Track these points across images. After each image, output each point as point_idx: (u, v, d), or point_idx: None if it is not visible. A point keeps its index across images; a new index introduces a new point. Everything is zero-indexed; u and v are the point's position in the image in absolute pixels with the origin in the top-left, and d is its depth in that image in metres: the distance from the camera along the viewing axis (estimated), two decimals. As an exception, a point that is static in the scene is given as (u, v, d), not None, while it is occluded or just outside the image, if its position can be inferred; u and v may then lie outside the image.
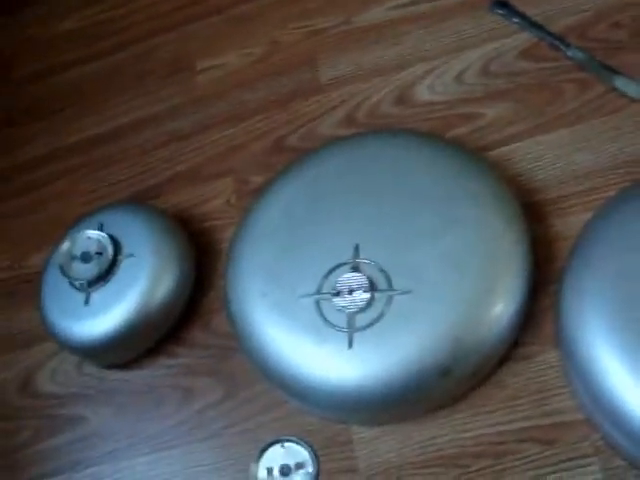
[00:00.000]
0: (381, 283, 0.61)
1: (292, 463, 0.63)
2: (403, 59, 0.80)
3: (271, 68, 0.84)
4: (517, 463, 0.60)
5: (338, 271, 0.62)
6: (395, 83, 0.79)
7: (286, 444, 0.64)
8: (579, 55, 0.75)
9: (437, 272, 0.60)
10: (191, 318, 0.73)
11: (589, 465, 0.59)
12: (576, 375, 0.59)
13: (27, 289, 0.79)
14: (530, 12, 0.79)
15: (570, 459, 0.59)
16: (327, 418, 0.64)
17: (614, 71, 0.73)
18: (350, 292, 0.61)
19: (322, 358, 0.61)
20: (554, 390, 0.61)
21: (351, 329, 0.60)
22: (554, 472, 0.59)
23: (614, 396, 0.56)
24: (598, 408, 0.57)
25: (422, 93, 0.78)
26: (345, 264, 0.63)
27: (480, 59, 0.78)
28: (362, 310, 0.61)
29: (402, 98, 0.78)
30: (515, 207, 0.64)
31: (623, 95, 0.72)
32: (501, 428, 0.61)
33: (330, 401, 0.61)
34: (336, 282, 0.62)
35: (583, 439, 0.59)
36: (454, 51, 0.79)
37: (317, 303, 0.62)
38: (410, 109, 0.77)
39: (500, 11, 0.80)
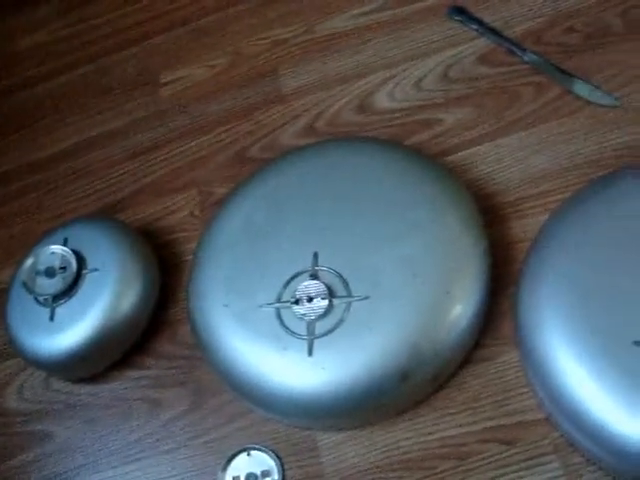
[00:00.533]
0: (340, 290, 0.62)
1: (258, 471, 0.63)
2: (364, 67, 0.81)
3: (234, 80, 0.85)
4: (480, 464, 0.60)
5: (298, 279, 0.63)
6: (356, 91, 0.80)
7: (252, 452, 0.64)
8: (535, 59, 0.76)
9: (395, 277, 0.61)
10: (158, 330, 0.73)
11: (549, 463, 0.59)
12: (535, 375, 0.59)
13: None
14: (487, 18, 0.80)
15: (531, 457, 0.60)
16: (292, 425, 0.65)
17: (569, 74, 0.75)
18: (309, 300, 0.62)
19: (283, 366, 0.61)
20: (515, 390, 0.62)
21: (310, 336, 0.61)
22: (516, 471, 0.59)
23: (571, 394, 0.56)
24: (557, 407, 0.58)
25: (382, 100, 0.78)
26: (304, 272, 0.63)
27: (439, 65, 0.79)
28: (321, 317, 0.61)
29: (363, 106, 0.79)
30: (473, 210, 0.65)
31: (578, 98, 0.73)
32: (464, 430, 0.62)
33: (293, 409, 0.61)
34: (295, 290, 0.62)
35: (543, 437, 0.60)
36: (413, 58, 0.80)
37: (277, 312, 0.62)
38: (371, 117, 0.78)
39: (458, 18, 0.82)
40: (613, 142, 0.71)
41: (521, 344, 0.61)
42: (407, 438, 0.62)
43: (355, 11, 0.85)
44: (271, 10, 0.89)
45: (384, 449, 0.63)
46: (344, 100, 0.80)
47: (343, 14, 0.85)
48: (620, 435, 0.54)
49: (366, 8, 0.85)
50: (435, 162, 0.69)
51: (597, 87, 0.73)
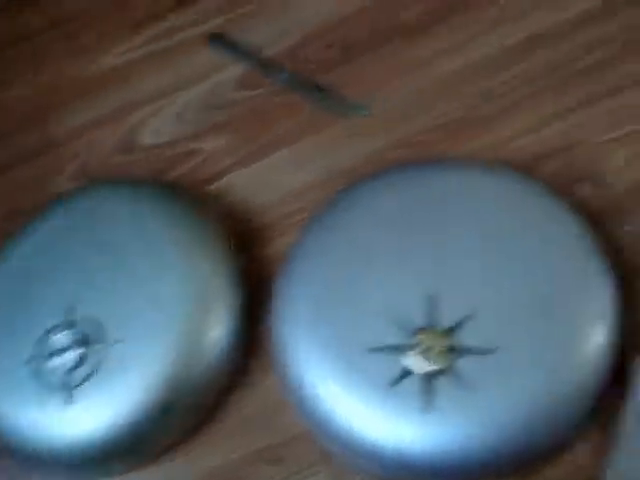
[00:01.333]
0: (95, 336, 0.62)
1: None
2: (129, 105, 0.81)
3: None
4: (254, 486, 0.62)
5: (54, 332, 0.63)
6: (121, 130, 0.80)
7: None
8: (289, 78, 0.78)
9: (147, 318, 0.62)
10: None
11: (317, 473, 0.61)
12: (289, 392, 0.61)
13: None
14: (246, 42, 0.82)
15: (300, 470, 0.61)
16: (71, 476, 0.64)
17: (322, 89, 0.77)
18: (63, 351, 0.61)
19: (44, 420, 0.61)
20: (279, 410, 0.63)
21: (67, 387, 0.61)
22: (289, 484, 0.61)
23: (320, 406, 0.58)
24: (311, 419, 0.60)
25: (147, 137, 0.79)
26: (60, 324, 0.63)
27: (200, 95, 0.80)
28: (76, 367, 0.61)
29: (128, 145, 0.79)
30: (224, 240, 0.66)
31: (331, 111, 0.75)
32: (234, 456, 0.63)
33: (60, 460, 0.61)
34: (50, 342, 0.62)
35: (309, 451, 0.61)
36: (176, 90, 0.81)
37: (33, 368, 0.62)
38: (136, 155, 0.78)
39: (217, 45, 0.83)
40: (364, 152, 0.73)
41: (277, 365, 0.62)
42: (179, 473, 0.63)
43: (116, 50, 0.85)
44: (37, 52, 0.87)
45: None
46: (109, 141, 0.80)
47: (107, 51, 0.85)
48: (362, 438, 0.56)
49: (129, 44, 0.85)
50: (187, 196, 0.70)
51: (347, 99, 0.75)
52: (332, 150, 0.74)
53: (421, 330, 0.57)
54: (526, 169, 0.69)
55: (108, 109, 0.81)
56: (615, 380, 0.59)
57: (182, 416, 0.62)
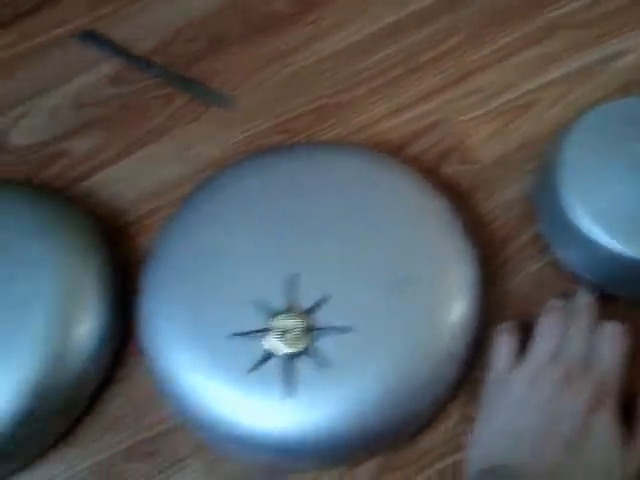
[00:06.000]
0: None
1: None
2: (1, 105, 0.80)
3: None
4: (130, 481, 0.61)
5: None
6: (-7, 132, 0.79)
7: None
8: (160, 72, 0.78)
9: (7, 319, 0.60)
10: None
11: (190, 465, 0.61)
12: (159, 383, 0.60)
13: None
14: (117, 38, 0.81)
15: (173, 463, 0.61)
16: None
17: (191, 82, 0.77)
18: None
19: None
20: (152, 403, 0.63)
21: None
22: (165, 477, 0.61)
23: (187, 395, 0.58)
24: (179, 409, 0.59)
25: (18, 138, 0.77)
26: None
27: (72, 93, 0.79)
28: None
29: (0, 146, 0.77)
30: (93, 236, 0.65)
31: (200, 103, 0.75)
32: (111, 452, 0.62)
33: None
34: None
35: (182, 442, 0.61)
36: (47, 90, 0.79)
37: None
38: (8, 156, 0.77)
39: (88, 41, 0.82)
40: (233, 141, 0.73)
41: (144, 356, 0.61)
42: (54, 474, 0.62)
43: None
44: None
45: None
46: (-18, 143, 0.78)
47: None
48: (228, 425, 0.56)
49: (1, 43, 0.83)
50: (53, 197, 0.68)
51: (215, 91, 0.76)
52: (201, 142, 0.74)
53: (280, 313, 0.57)
54: (393, 151, 0.70)
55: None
56: (478, 353, 0.61)
57: (52, 420, 0.61)
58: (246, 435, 0.56)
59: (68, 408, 0.62)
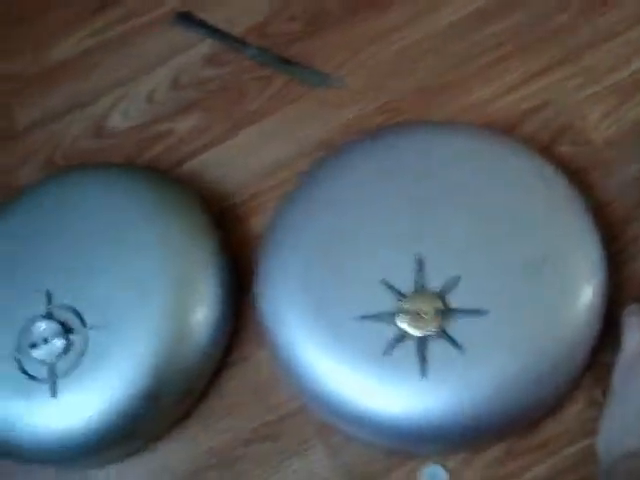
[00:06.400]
0: (75, 325, 0.60)
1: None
2: (97, 90, 0.79)
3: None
4: (250, 465, 0.61)
5: (33, 323, 0.61)
6: (91, 116, 0.78)
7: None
8: (258, 53, 0.77)
9: (125, 301, 0.60)
10: None
11: (314, 447, 0.60)
12: (283, 366, 0.60)
13: None
14: (212, 20, 0.80)
15: (297, 445, 0.61)
16: (61, 469, 0.63)
17: (292, 63, 0.75)
18: (46, 341, 0.60)
19: (30, 413, 0.59)
20: (272, 386, 0.63)
21: (52, 378, 0.59)
22: (284, 462, 0.61)
23: (313, 377, 0.58)
24: (305, 392, 0.59)
25: (117, 121, 0.77)
26: (39, 314, 0.61)
27: (168, 75, 0.78)
28: (61, 356, 0.59)
29: (99, 130, 0.77)
30: (202, 218, 0.65)
31: (303, 84, 0.74)
32: (230, 435, 0.62)
33: (51, 453, 0.60)
34: (31, 334, 0.60)
35: (304, 424, 0.61)
36: (143, 73, 0.79)
37: (17, 359, 0.60)
38: (107, 140, 0.76)
39: (183, 23, 0.81)
40: (340, 122, 0.72)
41: (267, 340, 0.61)
42: (176, 455, 0.62)
43: (81, 34, 0.83)
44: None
45: (156, 472, 0.62)
46: (81, 127, 0.77)
47: (68, 38, 0.83)
48: (357, 406, 0.56)
49: (90, 29, 0.83)
50: (161, 177, 0.68)
51: (319, 71, 0.75)
52: (306, 123, 0.73)
53: (411, 294, 0.56)
54: (505, 130, 0.68)
55: (76, 95, 0.79)
56: (607, 334, 0.59)
57: (173, 401, 0.61)
58: (378, 418, 0.56)
59: (187, 390, 0.61)
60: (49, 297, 0.61)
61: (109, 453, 0.62)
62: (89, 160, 0.76)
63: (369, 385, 0.55)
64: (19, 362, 0.60)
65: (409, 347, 0.55)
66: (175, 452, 0.62)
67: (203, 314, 0.61)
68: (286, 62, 0.76)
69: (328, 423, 0.60)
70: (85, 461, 0.62)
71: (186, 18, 0.82)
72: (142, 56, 0.80)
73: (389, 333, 0.56)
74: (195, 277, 0.62)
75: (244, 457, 0.61)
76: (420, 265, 0.57)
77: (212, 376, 0.63)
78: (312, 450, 0.60)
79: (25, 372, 0.60)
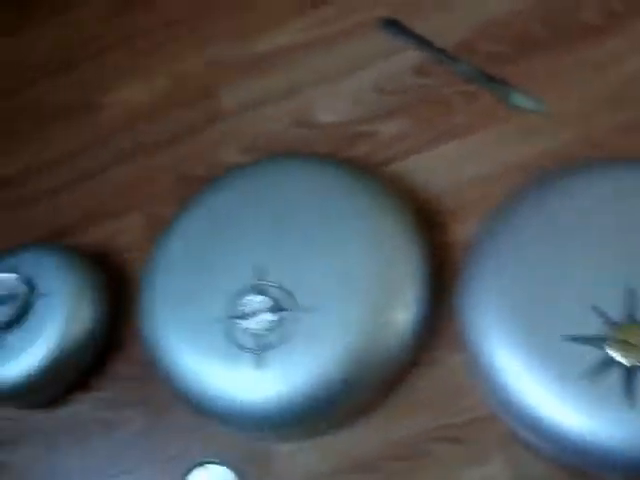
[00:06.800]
0: (286, 303, 0.63)
1: (216, 484, 0.65)
2: (301, 83, 0.83)
3: (174, 100, 0.86)
4: (430, 463, 0.63)
5: (245, 295, 0.64)
6: (295, 107, 0.82)
7: (208, 466, 0.65)
8: (465, 69, 0.79)
9: (337, 287, 0.63)
10: (112, 350, 0.74)
11: (495, 457, 0.62)
12: (480, 375, 0.62)
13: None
14: (419, 30, 0.83)
15: (478, 452, 0.62)
16: (247, 437, 0.66)
17: (500, 82, 0.77)
18: (255, 314, 0.63)
19: (233, 380, 0.63)
20: (461, 390, 0.64)
21: (259, 350, 0.62)
22: (464, 466, 0.62)
23: (510, 390, 0.59)
24: (499, 403, 0.60)
25: (320, 115, 0.80)
26: (251, 288, 0.64)
27: (374, 78, 0.81)
28: (268, 331, 0.63)
29: (302, 122, 0.80)
30: (409, 219, 0.67)
31: (507, 105, 0.76)
32: (413, 431, 0.64)
33: (245, 421, 0.63)
34: (242, 305, 0.64)
35: (489, 432, 0.62)
36: (349, 72, 0.82)
37: (226, 326, 0.64)
38: (310, 132, 0.80)
39: (391, 30, 0.84)
40: (541, 147, 0.74)
41: (467, 346, 0.63)
42: (359, 443, 0.64)
43: (290, 27, 0.87)
44: (207, 29, 0.90)
45: (337, 455, 0.65)
46: (283, 116, 0.81)
47: (279, 31, 0.87)
48: (554, 425, 0.57)
49: (301, 24, 0.87)
50: (371, 174, 0.71)
51: (524, 94, 0.76)
52: (507, 144, 0.74)
53: (624, 324, 0.58)
54: None
55: (281, 85, 0.83)
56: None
57: (365, 391, 0.63)
58: (570, 439, 0.57)
59: (380, 383, 0.64)
60: (260, 273, 0.65)
61: (294, 431, 0.65)
62: (290, 148, 0.79)
63: (568, 405, 0.57)
64: (229, 330, 0.63)
65: (614, 374, 0.57)
66: (358, 438, 0.64)
67: (404, 312, 0.64)
68: (493, 81, 0.78)
69: (513, 435, 0.61)
70: (271, 435, 0.65)
71: (393, 25, 0.84)
72: (347, 57, 0.83)
73: (594, 358, 0.57)
74: (401, 276, 0.64)
75: (425, 455, 0.63)
76: (632, 295, 0.59)
77: (404, 372, 0.65)
78: (493, 460, 0.62)
79: (234, 341, 0.63)
